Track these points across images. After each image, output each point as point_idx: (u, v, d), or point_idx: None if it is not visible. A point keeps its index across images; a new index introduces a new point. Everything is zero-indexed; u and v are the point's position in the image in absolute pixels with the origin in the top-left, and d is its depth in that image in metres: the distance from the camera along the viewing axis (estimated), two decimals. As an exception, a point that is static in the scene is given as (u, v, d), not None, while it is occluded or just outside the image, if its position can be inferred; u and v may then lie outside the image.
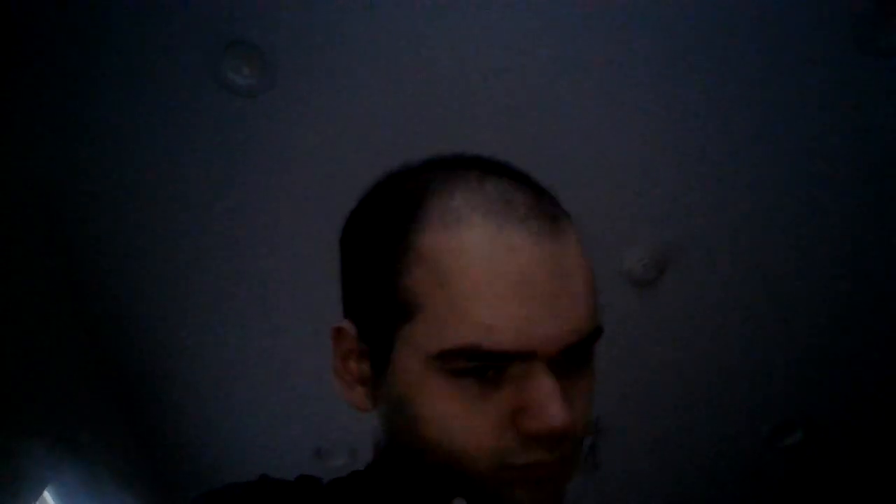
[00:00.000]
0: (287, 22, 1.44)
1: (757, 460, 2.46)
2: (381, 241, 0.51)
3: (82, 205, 1.72)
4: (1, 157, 1.59)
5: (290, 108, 1.58)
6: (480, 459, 0.47)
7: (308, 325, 1.92)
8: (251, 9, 1.42)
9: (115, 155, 1.64)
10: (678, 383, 2.20)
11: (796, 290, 1.96)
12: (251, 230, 1.80)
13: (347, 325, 0.55)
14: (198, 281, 1.89)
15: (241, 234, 1.81)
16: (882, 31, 1.45)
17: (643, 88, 1.58)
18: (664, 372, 2.16)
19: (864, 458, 2.48)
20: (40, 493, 1.80)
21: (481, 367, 0.46)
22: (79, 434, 1.91)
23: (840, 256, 1.89)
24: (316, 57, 1.50)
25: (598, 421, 2.29)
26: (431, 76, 1.54)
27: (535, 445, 0.46)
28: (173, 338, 2.01)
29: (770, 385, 2.22)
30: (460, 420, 0.47)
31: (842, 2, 1.42)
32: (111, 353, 2.02)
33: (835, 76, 1.54)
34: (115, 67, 1.50)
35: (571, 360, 0.49)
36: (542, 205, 0.50)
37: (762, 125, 1.64)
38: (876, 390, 2.24)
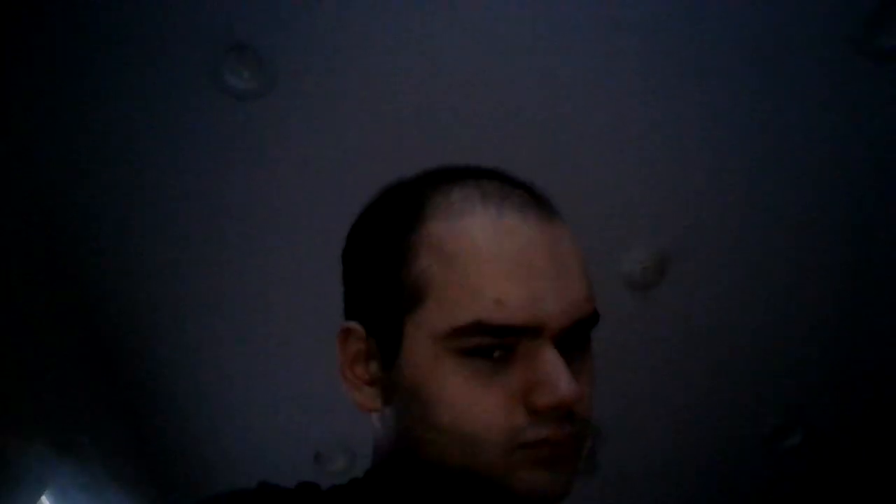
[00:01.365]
0: (287, 26, 1.44)
1: (756, 462, 2.46)
2: (385, 237, 0.53)
3: (82, 207, 1.72)
4: (0, 159, 1.59)
5: (290, 111, 1.58)
6: (492, 440, 0.47)
7: (307, 329, 1.92)
8: (251, 13, 1.42)
9: (114, 158, 1.64)
10: (677, 385, 2.20)
11: (795, 292, 1.97)
12: (250, 234, 1.80)
13: (354, 325, 0.55)
14: (197, 284, 1.89)
15: (240, 237, 1.81)
16: (881, 34, 1.46)
17: (642, 92, 1.58)
18: (663, 374, 2.16)
19: (863, 460, 2.48)
20: (38, 496, 1.80)
21: (491, 345, 0.48)
22: (77, 438, 1.91)
23: (840, 259, 1.90)
24: (315, 61, 1.50)
25: (597, 423, 2.29)
26: (431, 80, 1.54)
27: (546, 421, 0.47)
28: (172, 341, 2.01)
29: (769, 387, 2.22)
30: (472, 400, 0.48)
31: (840, 5, 1.43)
32: (109, 357, 2.02)
33: (834, 79, 1.55)
34: (114, 71, 1.50)
35: (573, 343, 0.50)
36: (535, 199, 0.54)
37: (762, 128, 1.64)
38: (875, 392, 2.24)
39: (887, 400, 2.25)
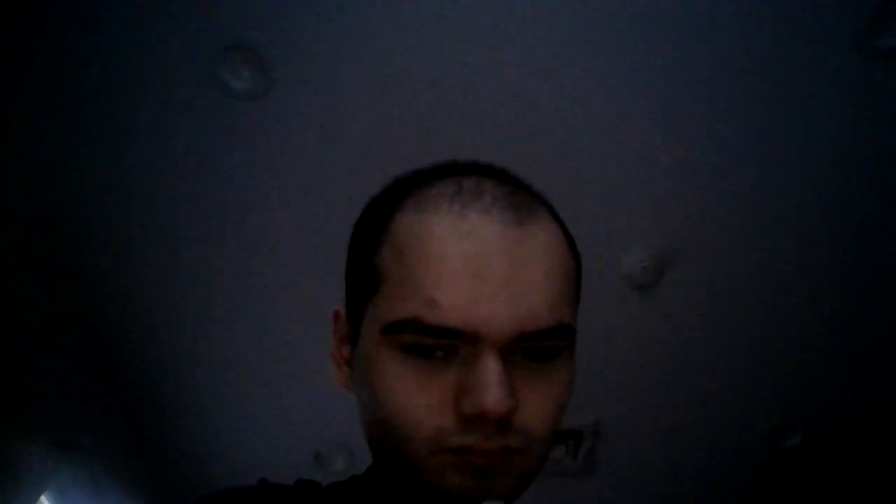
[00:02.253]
0: (286, 25, 1.44)
1: (756, 463, 2.46)
2: (369, 224, 0.55)
3: (81, 208, 1.72)
4: (0, 161, 1.59)
5: (289, 111, 1.58)
6: (420, 439, 0.47)
7: (307, 329, 1.92)
8: (250, 12, 1.42)
9: (114, 158, 1.64)
10: (677, 385, 2.20)
11: (795, 292, 1.97)
12: (250, 233, 1.80)
13: (342, 308, 0.57)
14: (197, 284, 1.89)
15: (239, 237, 1.81)
16: (881, 34, 1.46)
17: (643, 91, 1.58)
18: (663, 374, 2.16)
19: (863, 461, 2.48)
20: (38, 496, 1.80)
21: (427, 344, 0.47)
22: (77, 437, 1.91)
23: (840, 258, 1.89)
24: (315, 60, 1.50)
25: (597, 423, 2.29)
26: (430, 79, 1.54)
27: (472, 428, 0.46)
28: (172, 341, 2.01)
29: (769, 387, 2.22)
30: (407, 396, 0.47)
31: (840, 5, 1.43)
32: (110, 357, 2.02)
33: (835, 79, 1.55)
34: (113, 71, 1.50)
35: (533, 354, 0.48)
36: (516, 198, 0.51)
37: (762, 128, 1.64)
38: (875, 392, 2.24)
39: (887, 400, 2.25)
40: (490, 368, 0.45)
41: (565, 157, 1.68)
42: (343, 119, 1.60)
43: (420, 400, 0.47)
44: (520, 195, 0.52)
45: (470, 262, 0.47)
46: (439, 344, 0.47)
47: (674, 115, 1.62)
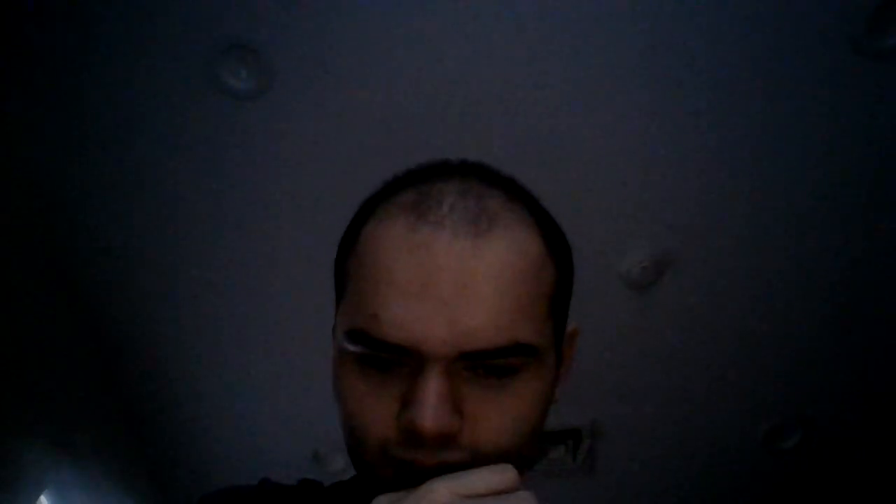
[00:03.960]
0: (284, 25, 1.44)
1: (754, 463, 2.47)
2: (348, 231, 0.56)
3: (81, 208, 1.72)
4: (0, 161, 1.59)
5: (288, 110, 1.58)
6: (370, 445, 0.48)
7: (307, 329, 1.92)
8: (248, 12, 1.42)
9: (114, 159, 1.64)
10: (676, 385, 2.20)
11: (794, 291, 1.97)
12: (249, 234, 1.80)
13: None
14: (196, 284, 1.89)
15: (239, 237, 1.81)
16: (881, 34, 1.46)
17: (642, 91, 1.58)
18: (662, 374, 2.17)
19: (862, 460, 2.48)
20: (37, 496, 1.80)
21: (377, 355, 0.47)
22: (76, 437, 1.91)
23: (839, 258, 1.90)
24: (313, 59, 1.50)
25: (596, 422, 2.30)
26: (429, 78, 1.54)
27: (412, 442, 0.46)
28: (171, 341, 2.01)
29: (768, 387, 2.22)
30: (359, 403, 0.49)
31: (840, 5, 1.43)
32: (109, 357, 2.02)
33: (835, 79, 1.55)
34: (112, 70, 1.50)
35: (491, 371, 0.47)
36: (481, 206, 0.49)
37: (761, 129, 1.64)
38: (875, 391, 2.24)
39: (886, 399, 2.25)
40: (428, 386, 0.45)
41: (565, 157, 1.68)
42: (341, 118, 1.60)
43: (370, 408, 0.48)
44: (489, 202, 0.50)
45: (415, 277, 0.46)
46: (380, 356, 0.47)
47: (674, 115, 1.62)
